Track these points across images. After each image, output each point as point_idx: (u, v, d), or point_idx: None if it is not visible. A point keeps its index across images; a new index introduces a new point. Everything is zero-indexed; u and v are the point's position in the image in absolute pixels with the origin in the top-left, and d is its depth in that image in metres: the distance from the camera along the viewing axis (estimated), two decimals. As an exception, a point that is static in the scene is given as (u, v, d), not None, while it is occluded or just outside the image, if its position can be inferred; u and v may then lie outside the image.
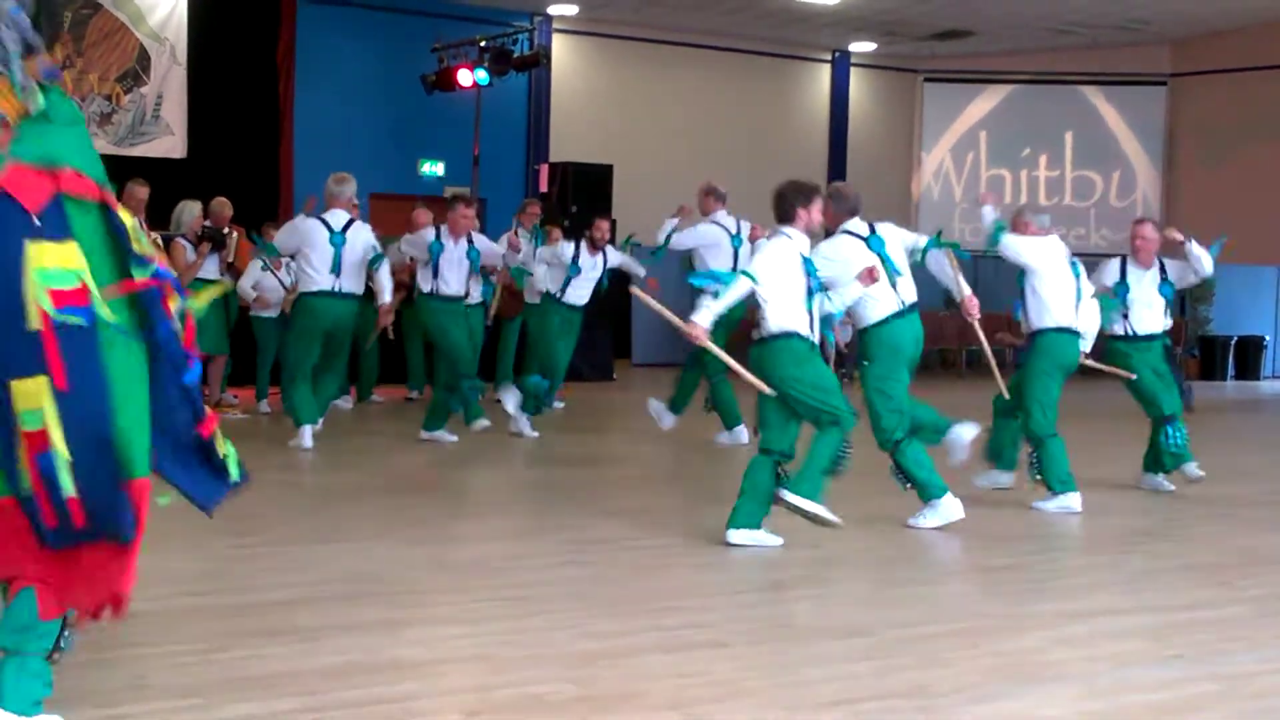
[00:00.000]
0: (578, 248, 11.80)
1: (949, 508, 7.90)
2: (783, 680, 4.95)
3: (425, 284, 11.07)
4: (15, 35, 3.96)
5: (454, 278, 11.02)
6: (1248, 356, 22.10)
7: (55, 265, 3.77)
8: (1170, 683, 5.01)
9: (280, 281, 12.86)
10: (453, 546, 7.36)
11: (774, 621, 5.80)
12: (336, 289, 10.36)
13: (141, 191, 12.56)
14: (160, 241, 12.49)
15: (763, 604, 6.08)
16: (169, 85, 18.43)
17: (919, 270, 8.25)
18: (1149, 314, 9.50)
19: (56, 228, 3.84)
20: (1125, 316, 9.47)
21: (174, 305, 4.06)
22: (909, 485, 8.00)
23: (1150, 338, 9.52)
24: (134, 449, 3.94)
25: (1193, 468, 9.36)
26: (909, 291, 8.14)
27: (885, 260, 7.94)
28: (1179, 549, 7.69)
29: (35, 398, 3.73)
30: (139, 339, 3.90)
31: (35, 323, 3.71)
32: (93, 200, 4.02)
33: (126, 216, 4.16)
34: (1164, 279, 9.59)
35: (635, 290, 8.09)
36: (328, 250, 10.33)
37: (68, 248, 3.82)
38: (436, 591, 6.25)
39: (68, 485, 3.82)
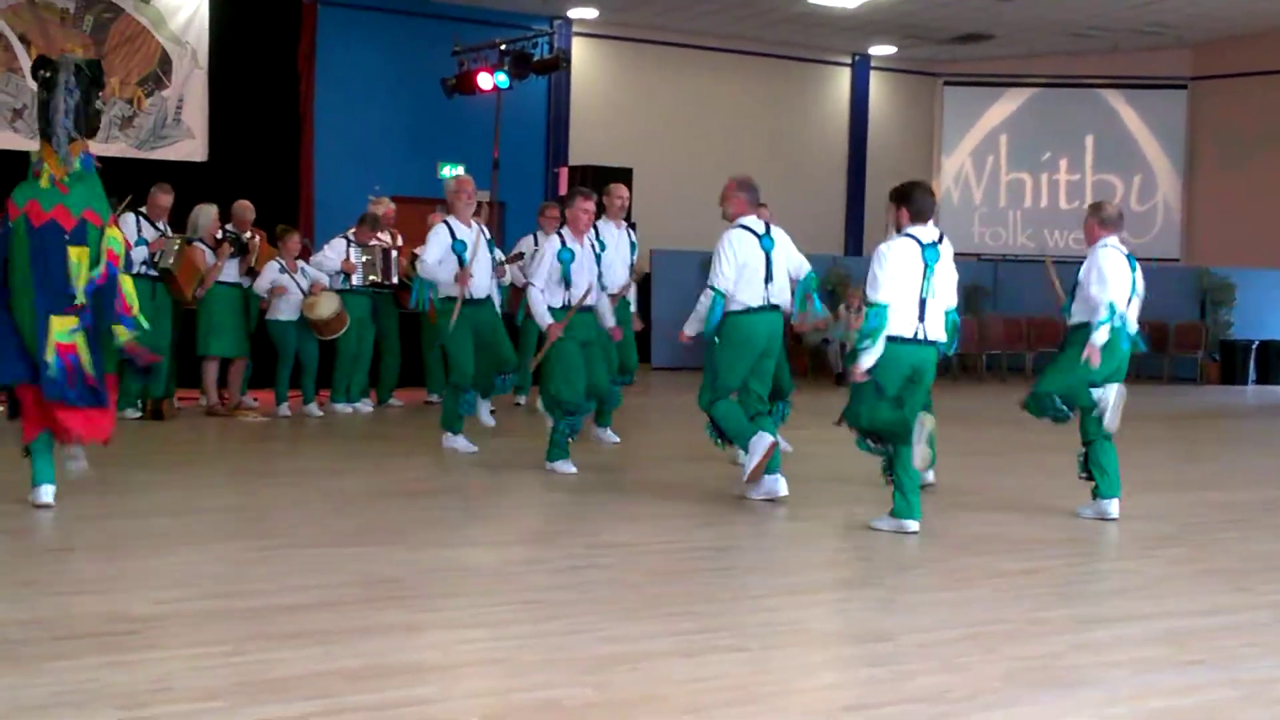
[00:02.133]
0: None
1: (760, 444, 8.56)
2: (801, 685, 4.95)
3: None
4: (69, 123, 7.70)
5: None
6: (1269, 361, 22.00)
7: (77, 259, 7.66)
8: (1190, 688, 5.00)
9: (297, 285, 12.89)
10: (471, 550, 7.37)
11: (792, 626, 5.79)
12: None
13: (164, 198, 12.61)
14: (180, 244, 12.55)
15: (781, 609, 6.08)
16: (190, 89, 18.50)
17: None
18: None
19: (80, 239, 7.69)
20: None
21: (125, 284, 7.88)
22: (722, 440, 8.91)
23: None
24: (109, 358, 7.81)
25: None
26: (778, 295, 8.78)
27: (769, 260, 8.71)
28: (1199, 554, 7.67)
29: (66, 325, 7.55)
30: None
31: (80, 296, 7.63)
32: (97, 226, 7.77)
33: (116, 232, 7.94)
34: None
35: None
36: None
37: (82, 250, 7.68)
38: (455, 595, 6.27)
39: (89, 367, 7.64)
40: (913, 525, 7.88)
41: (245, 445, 11.13)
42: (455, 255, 10.48)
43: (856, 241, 24.36)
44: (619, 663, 5.07)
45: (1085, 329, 8.46)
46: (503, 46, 18.48)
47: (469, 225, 10.68)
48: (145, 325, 7.99)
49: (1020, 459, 10.34)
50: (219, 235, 12.84)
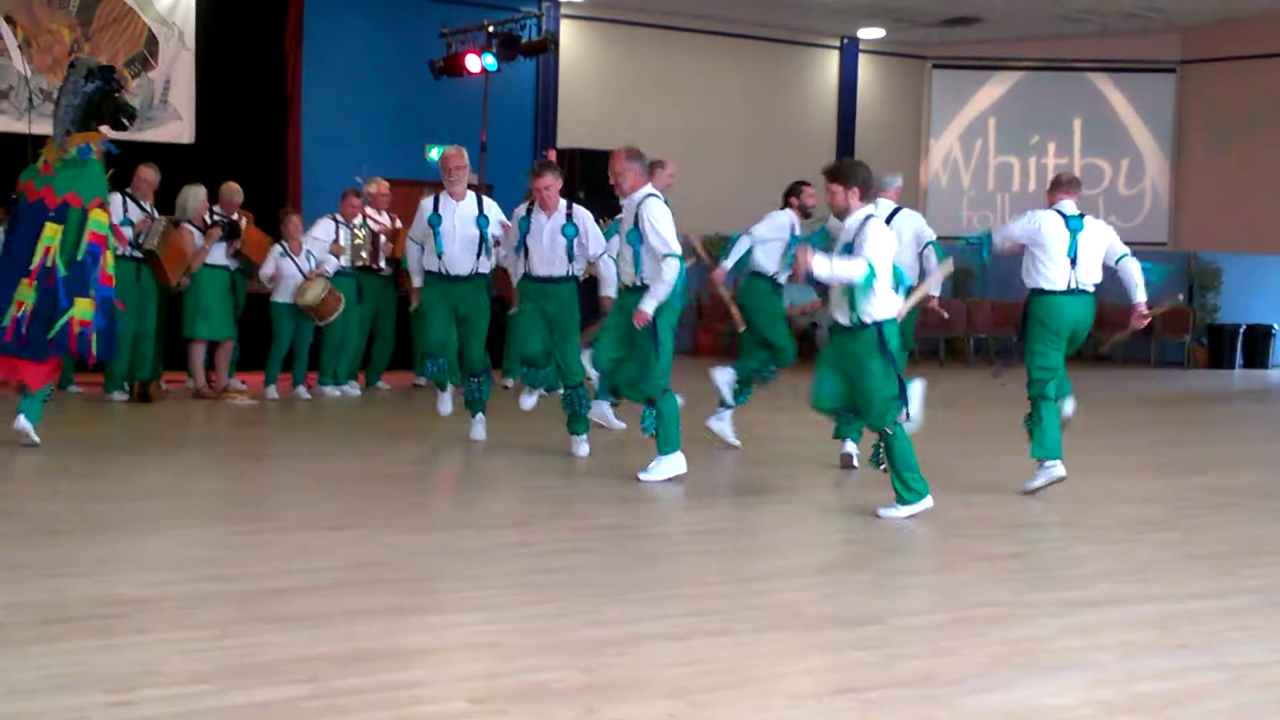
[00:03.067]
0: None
1: (674, 463, 8.82)
2: (789, 669, 4.96)
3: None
4: (67, 118, 9.34)
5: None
6: (1256, 345, 22.07)
7: (50, 235, 8.97)
8: (1177, 672, 5.01)
9: (298, 268, 12.87)
10: (460, 534, 7.37)
11: (781, 610, 5.80)
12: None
13: (150, 174, 12.57)
14: (166, 227, 12.52)
15: (769, 592, 6.08)
16: (177, 70, 18.40)
17: None
18: None
19: (60, 218, 9.05)
20: None
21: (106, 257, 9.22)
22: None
23: None
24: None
25: None
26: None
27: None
28: (1186, 538, 7.69)
29: (86, 308, 9.01)
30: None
31: (52, 265, 8.96)
32: (77, 208, 9.08)
33: (102, 215, 9.30)
34: None
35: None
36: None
37: (57, 228, 9.00)
38: (444, 579, 6.27)
39: (94, 345, 9.18)
40: (928, 501, 7.89)
41: (233, 428, 11.11)
42: (429, 227, 10.25)
43: (844, 225, 24.39)
44: (608, 646, 5.07)
45: (1038, 294, 8.83)
46: (491, 28, 18.42)
47: (458, 199, 10.33)
48: (119, 305, 9.45)
49: (1008, 442, 10.33)
50: (207, 218, 12.80)
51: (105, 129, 9.64)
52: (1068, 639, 5.40)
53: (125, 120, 9.67)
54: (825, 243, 8.91)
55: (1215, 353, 21.90)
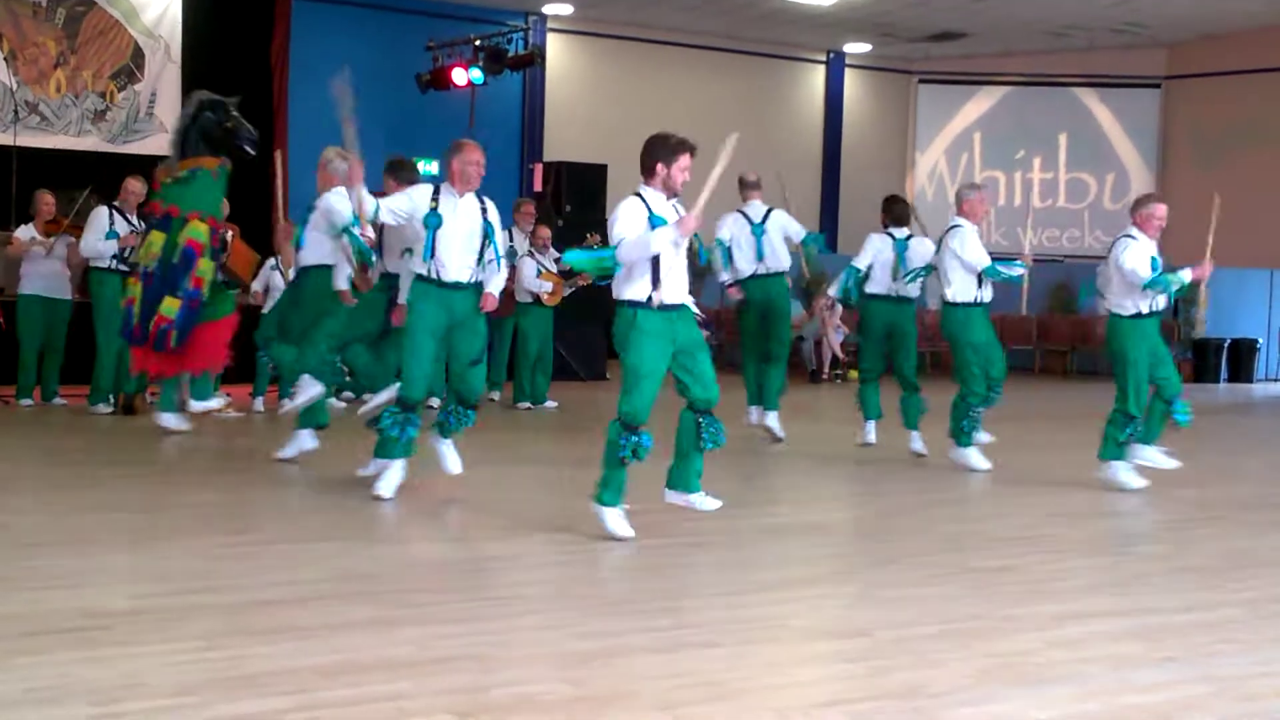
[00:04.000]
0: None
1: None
2: (776, 681, 4.95)
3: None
4: (177, 144, 10.72)
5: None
6: (1240, 359, 22.11)
7: (152, 240, 10.42)
8: (1164, 685, 5.01)
9: (287, 282, 12.84)
10: (446, 546, 7.35)
11: (767, 622, 5.79)
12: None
13: (136, 186, 12.57)
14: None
15: (755, 605, 6.07)
16: (163, 83, 18.39)
17: None
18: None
19: (163, 227, 10.39)
20: None
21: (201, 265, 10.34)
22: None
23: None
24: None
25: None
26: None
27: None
28: (1172, 551, 7.70)
29: (171, 306, 10.18)
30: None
31: (151, 267, 10.31)
32: (176, 217, 10.31)
33: (200, 226, 10.43)
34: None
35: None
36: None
37: (159, 235, 10.37)
38: (429, 591, 6.25)
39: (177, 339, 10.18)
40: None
41: (218, 441, 11.08)
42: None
43: (831, 239, 24.35)
44: (594, 658, 5.06)
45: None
46: (477, 42, 18.45)
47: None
48: (204, 299, 10.36)
49: (994, 455, 10.36)
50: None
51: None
52: (1054, 652, 5.40)
53: (248, 148, 10.91)
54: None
55: (1200, 367, 21.93)
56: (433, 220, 8.14)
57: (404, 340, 8.24)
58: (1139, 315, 9.31)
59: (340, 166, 9.22)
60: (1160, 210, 9.39)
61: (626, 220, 7.21)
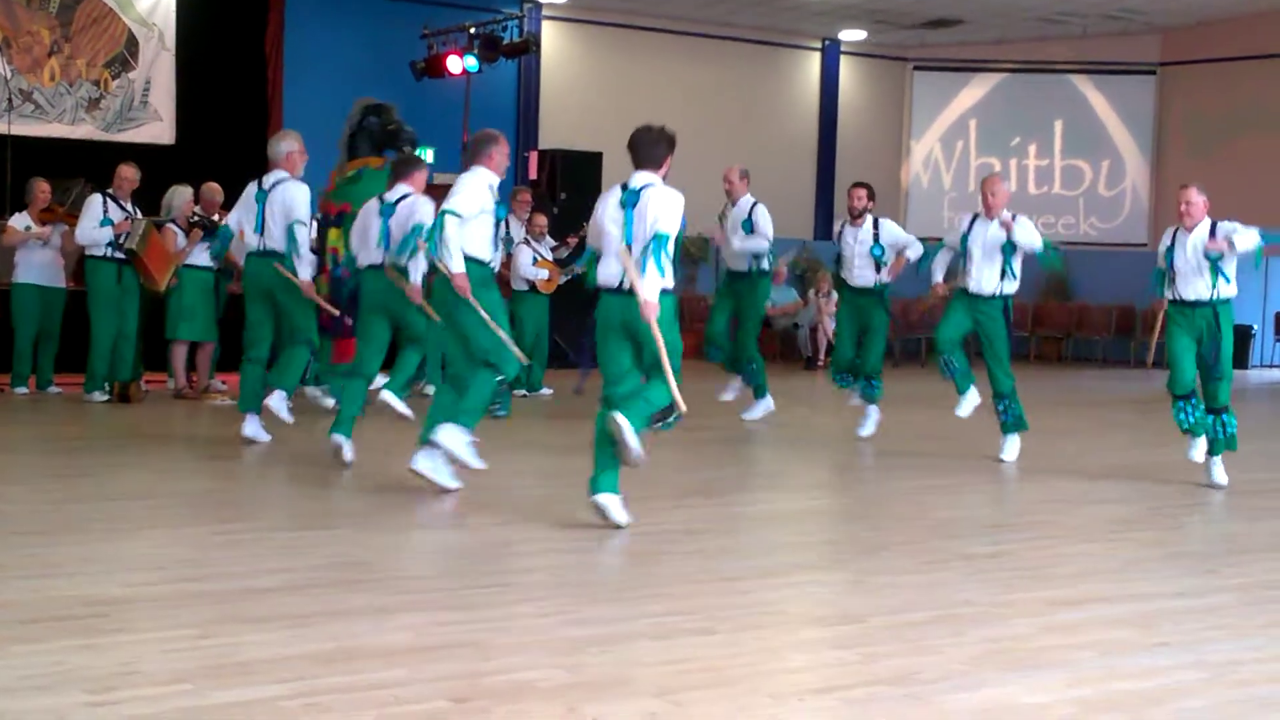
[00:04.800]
0: None
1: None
2: (770, 667, 4.97)
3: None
4: (343, 147, 12.98)
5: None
6: (1236, 345, 22.13)
7: (334, 238, 12.17)
8: (1156, 670, 5.03)
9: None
10: (442, 533, 7.36)
11: (762, 609, 5.81)
12: (260, 248, 9.82)
13: (129, 172, 12.53)
14: (155, 225, 12.54)
15: (750, 591, 6.09)
16: (157, 71, 18.36)
17: None
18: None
19: (337, 223, 11.96)
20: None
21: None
22: None
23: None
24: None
25: None
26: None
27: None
28: (1165, 537, 7.72)
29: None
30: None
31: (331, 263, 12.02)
32: (349, 214, 10.72)
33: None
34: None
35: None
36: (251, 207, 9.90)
37: (338, 230, 11.88)
38: (426, 578, 6.26)
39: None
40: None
41: (213, 429, 11.09)
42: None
43: (826, 226, 24.36)
44: (590, 645, 5.07)
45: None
46: (472, 30, 18.41)
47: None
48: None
49: (987, 442, 10.38)
50: (191, 219, 12.78)
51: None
52: (1047, 638, 5.42)
53: (408, 148, 12.34)
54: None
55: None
56: (500, 212, 8.16)
57: (485, 327, 8.04)
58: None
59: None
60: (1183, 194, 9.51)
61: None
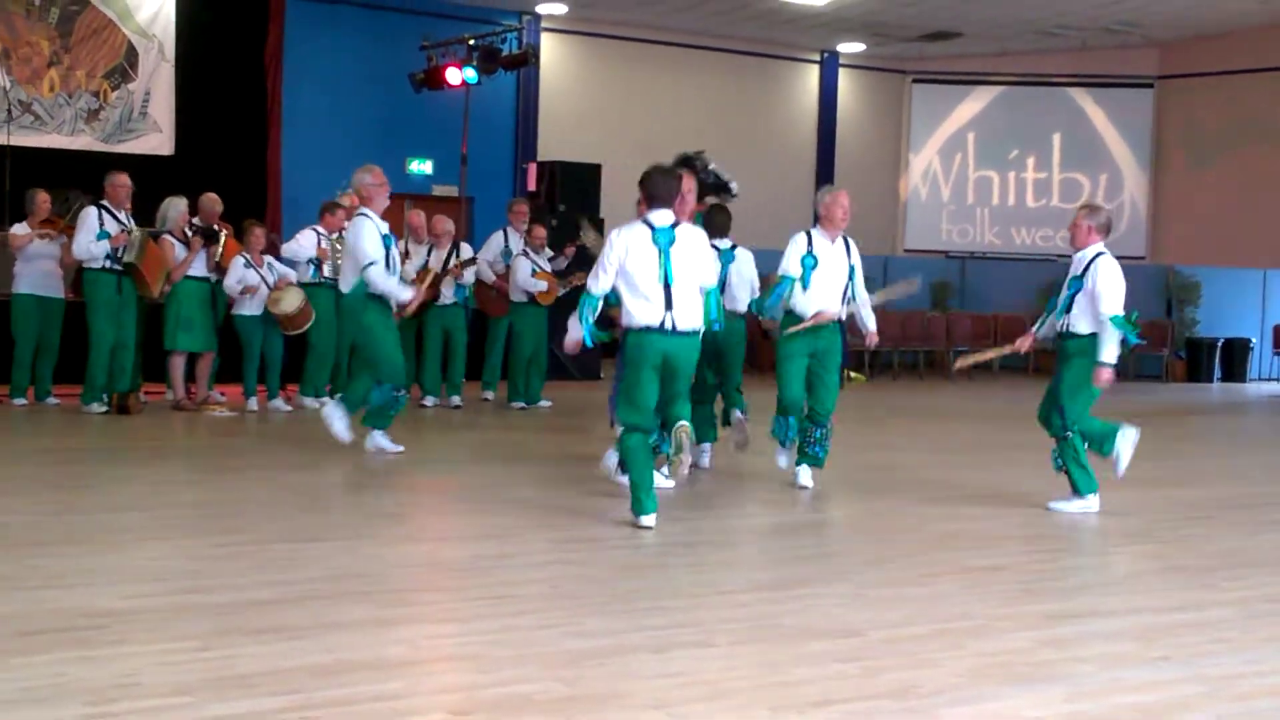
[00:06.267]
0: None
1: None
2: (769, 680, 4.96)
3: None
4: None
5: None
6: (1234, 359, 22.17)
7: None
8: (1156, 684, 5.03)
9: (263, 279, 12.84)
10: (440, 545, 7.36)
11: (760, 621, 5.80)
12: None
13: (123, 178, 12.45)
14: (151, 237, 12.53)
15: (749, 604, 6.09)
16: (157, 82, 18.39)
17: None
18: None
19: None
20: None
21: None
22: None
23: None
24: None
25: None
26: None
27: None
28: (1165, 551, 7.72)
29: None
30: None
31: None
32: None
33: None
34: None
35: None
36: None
37: None
38: (424, 590, 6.26)
39: None
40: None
41: (212, 440, 11.09)
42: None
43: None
44: (588, 658, 5.07)
45: (1089, 340, 8.77)
46: (471, 42, 18.43)
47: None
48: None
49: (988, 455, 10.38)
50: (187, 229, 12.77)
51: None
52: (1046, 651, 5.42)
53: (728, 194, 11.67)
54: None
55: (1194, 366, 21.99)
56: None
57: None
58: None
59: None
60: None
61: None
